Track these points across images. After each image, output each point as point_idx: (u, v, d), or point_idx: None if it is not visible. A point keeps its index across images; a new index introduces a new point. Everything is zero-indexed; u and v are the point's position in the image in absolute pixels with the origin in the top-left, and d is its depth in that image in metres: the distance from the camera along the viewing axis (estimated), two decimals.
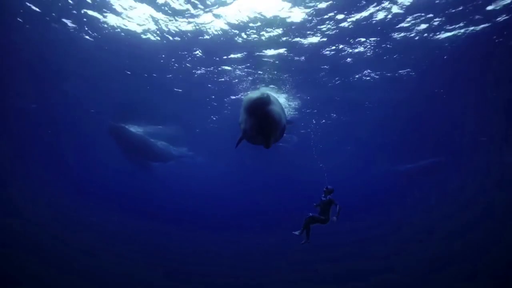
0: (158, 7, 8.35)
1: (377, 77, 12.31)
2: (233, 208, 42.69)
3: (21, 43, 10.56)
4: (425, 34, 9.53)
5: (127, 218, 31.14)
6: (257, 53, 10.30)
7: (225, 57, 10.69)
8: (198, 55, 10.80)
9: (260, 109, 3.33)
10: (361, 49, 10.25)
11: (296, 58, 10.62)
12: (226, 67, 11.53)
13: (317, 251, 16.56)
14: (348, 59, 10.80)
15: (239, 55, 10.50)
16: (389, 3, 8.07)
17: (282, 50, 10.19)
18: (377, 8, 8.22)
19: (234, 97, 14.07)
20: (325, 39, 9.62)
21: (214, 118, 17.82)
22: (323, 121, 17.81)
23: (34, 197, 30.19)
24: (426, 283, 13.61)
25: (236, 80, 12.32)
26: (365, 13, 8.43)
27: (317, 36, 9.47)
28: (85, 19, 9.12)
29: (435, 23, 9.01)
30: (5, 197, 24.95)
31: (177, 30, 9.37)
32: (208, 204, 44.34)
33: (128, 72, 12.38)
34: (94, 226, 24.57)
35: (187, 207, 41.52)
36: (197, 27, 9.14)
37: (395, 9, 8.34)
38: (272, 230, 28.02)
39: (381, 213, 37.96)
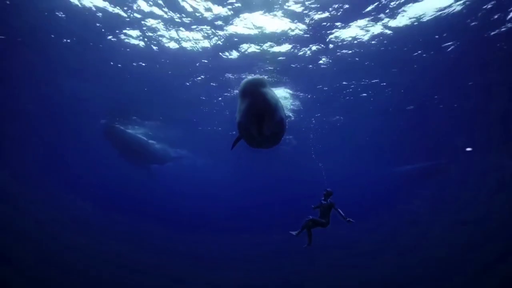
0: (163, 19, 8.60)
1: (376, 81, 12.47)
2: (233, 210, 42.63)
3: (19, 40, 10.51)
4: (424, 44, 9.69)
5: (128, 220, 31.15)
6: (257, 58, 10.37)
7: (225, 59, 10.72)
8: (199, 61, 10.88)
9: (255, 88, 3.10)
10: (357, 58, 10.42)
11: (296, 64, 10.77)
12: (228, 74, 11.64)
13: (315, 252, 16.59)
14: (347, 66, 10.99)
15: (240, 60, 10.55)
16: (388, 19, 8.33)
17: (282, 57, 10.32)
18: (375, 19, 8.46)
19: (232, 94, 14.05)
20: (323, 47, 9.82)
21: (216, 122, 17.75)
22: (325, 126, 17.86)
23: (34, 198, 30.17)
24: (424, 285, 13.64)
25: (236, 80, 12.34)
26: (362, 23, 8.65)
27: (315, 45, 9.70)
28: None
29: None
30: (5, 197, 24.94)
31: (178, 37, 9.47)
32: (208, 205, 44.31)
33: (128, 76, 12.37)
34: (95, 227, 24.60)
35: (188, 209, 41.48)
36: (199, 35, 9.27)
37: (394, 23, 8.61)
38: (269, 231, 28.04)
39: (380, 214, 37.91)
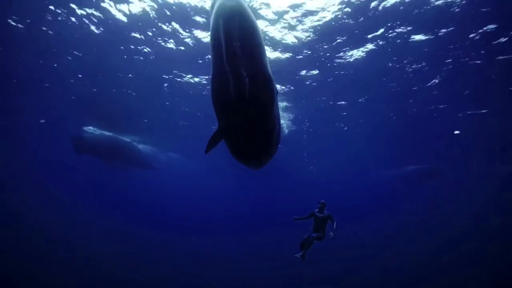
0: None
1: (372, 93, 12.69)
2: (231, 211, 42.60)
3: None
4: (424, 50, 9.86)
5: (129, 221, 31.10)
6: None
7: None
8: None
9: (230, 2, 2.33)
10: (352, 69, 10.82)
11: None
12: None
13: (315, 254, 16.50)
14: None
15: None
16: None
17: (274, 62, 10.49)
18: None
19: None
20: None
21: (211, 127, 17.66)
22: (324, 129, 17.92)
23: (34, 198, 30.16)
24: None
25: None
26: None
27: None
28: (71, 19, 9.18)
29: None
30: (5, 197, 24.93)
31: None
32: (206, 207, 44.26)
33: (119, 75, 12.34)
34: (95, 228, 24.56)
35: (188, 211, 41.42)
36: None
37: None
38: (270, 232, 28.02)
39: (380, 215, 37.89)
